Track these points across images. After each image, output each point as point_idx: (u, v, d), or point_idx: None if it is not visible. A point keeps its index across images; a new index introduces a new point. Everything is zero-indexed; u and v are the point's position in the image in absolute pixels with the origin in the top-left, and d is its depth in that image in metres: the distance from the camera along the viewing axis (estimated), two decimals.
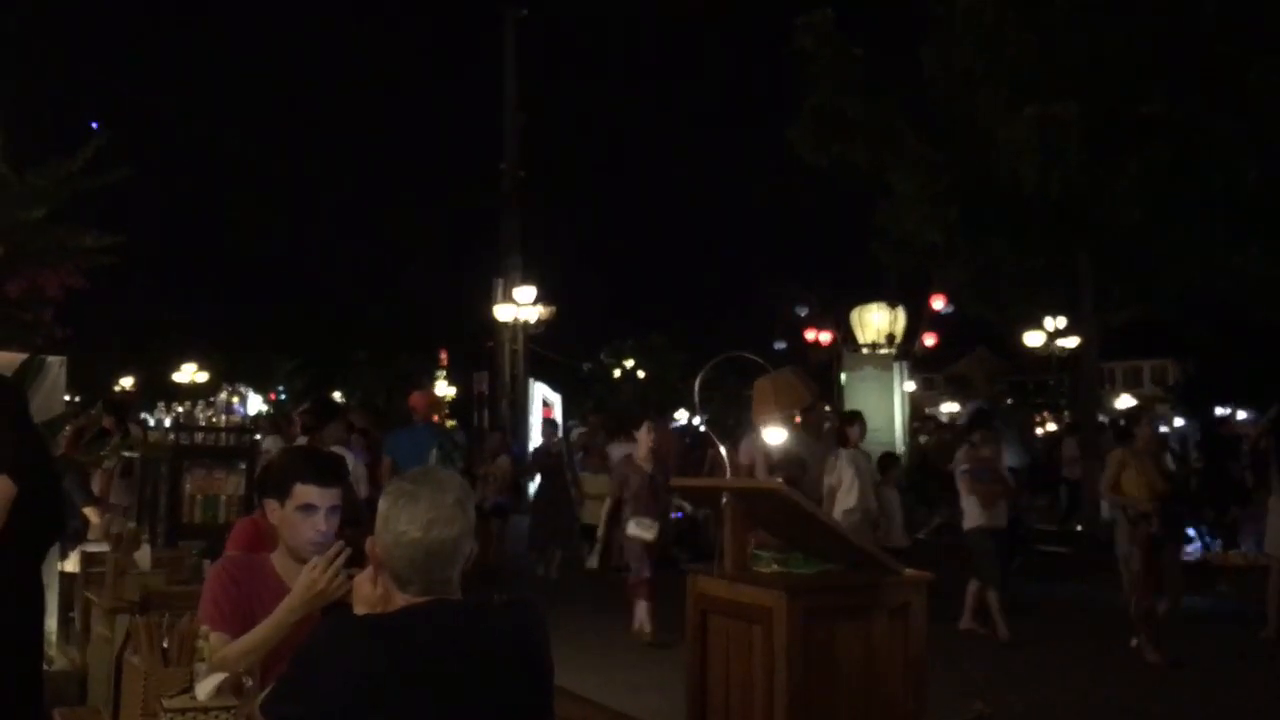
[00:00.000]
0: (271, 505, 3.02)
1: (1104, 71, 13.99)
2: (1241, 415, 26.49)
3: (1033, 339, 22.03)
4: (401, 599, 2.06)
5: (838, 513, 8.30)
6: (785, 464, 7.56)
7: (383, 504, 2.11)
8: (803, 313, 20.59)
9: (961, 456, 9.36)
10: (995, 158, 14.27)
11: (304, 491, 2.92)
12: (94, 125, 12.24)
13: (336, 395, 44.19)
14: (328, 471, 2.96)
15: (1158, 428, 8.70)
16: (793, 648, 4.13)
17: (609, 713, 3.38)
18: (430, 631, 1.97)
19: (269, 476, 3.10)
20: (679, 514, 12.22)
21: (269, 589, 2.88)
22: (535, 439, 21.85)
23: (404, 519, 2.05)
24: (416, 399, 10.39)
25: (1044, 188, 13.76)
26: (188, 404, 14.21)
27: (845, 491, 8.44)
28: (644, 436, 9.10)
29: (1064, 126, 13.24)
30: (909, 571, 4.59)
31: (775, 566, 4.52)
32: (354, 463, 7.52)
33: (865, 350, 17.29)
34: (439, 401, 10.64)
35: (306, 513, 2.91)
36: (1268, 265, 14.40)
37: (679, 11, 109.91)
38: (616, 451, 12.34)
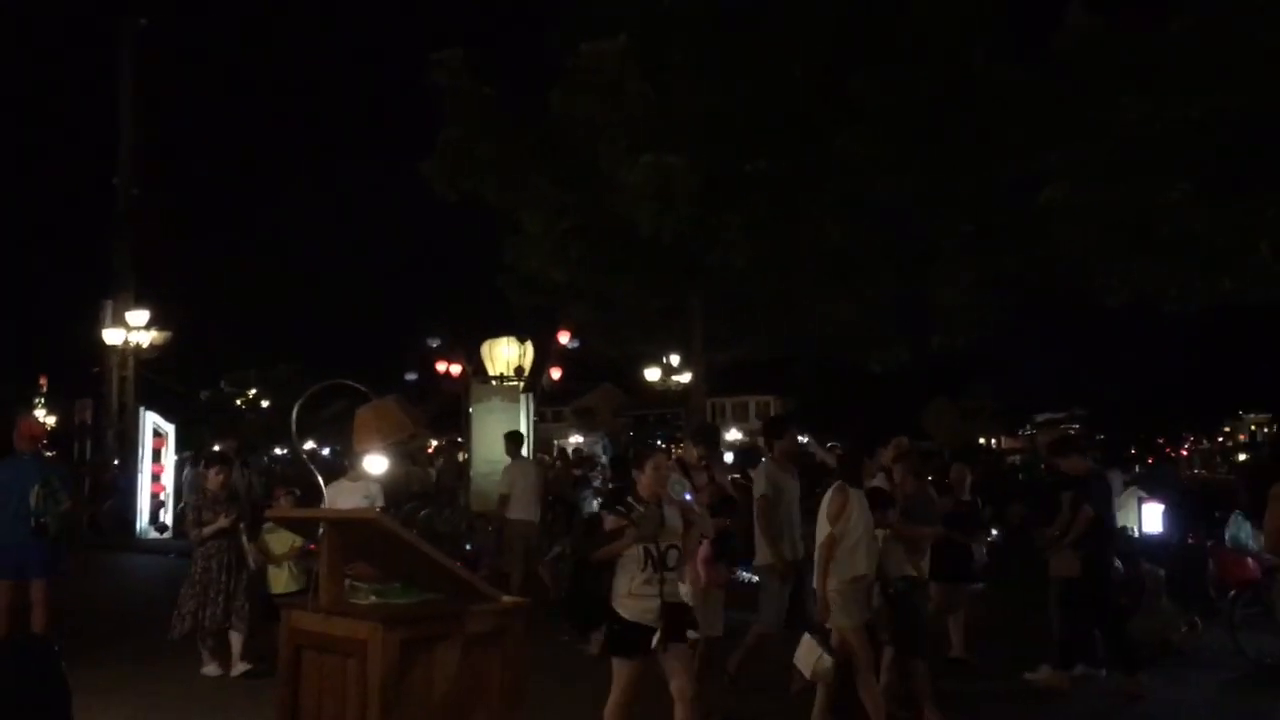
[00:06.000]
0: None
1: (714, 129, 15.15)
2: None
3: (652, 374, 23.29)
4: None
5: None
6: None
7: None
8: (434, 344, 20.65)
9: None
10: (616, 201, 15.03)
11: None
12: None
13: None
14: None
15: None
16: (388, 680, 4.13)
17: None
18: None
19: None
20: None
21: None
22: (146, 472, 20.46)
23: None
24: (27, 426, 9.25)
25: (658, 232, 14.66)
26: None
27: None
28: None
29: (676, 176, 14.19)
30: (506, 598, 4.74)
31: (373, 598, 4.52)
32: None
33: (494, 382, 17.58)
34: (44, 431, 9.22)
35: None
36: (850, 315, 16.09)
37: (320, 38, 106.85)
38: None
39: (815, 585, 6.70)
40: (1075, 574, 8.11)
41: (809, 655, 6.55)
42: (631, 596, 5.45)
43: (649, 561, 5.43)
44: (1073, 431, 26.72)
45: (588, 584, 5.68)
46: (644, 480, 5.65)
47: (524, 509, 11.62)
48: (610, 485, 11.24)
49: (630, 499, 5.63)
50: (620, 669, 5.53)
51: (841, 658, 6.54)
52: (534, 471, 12.28)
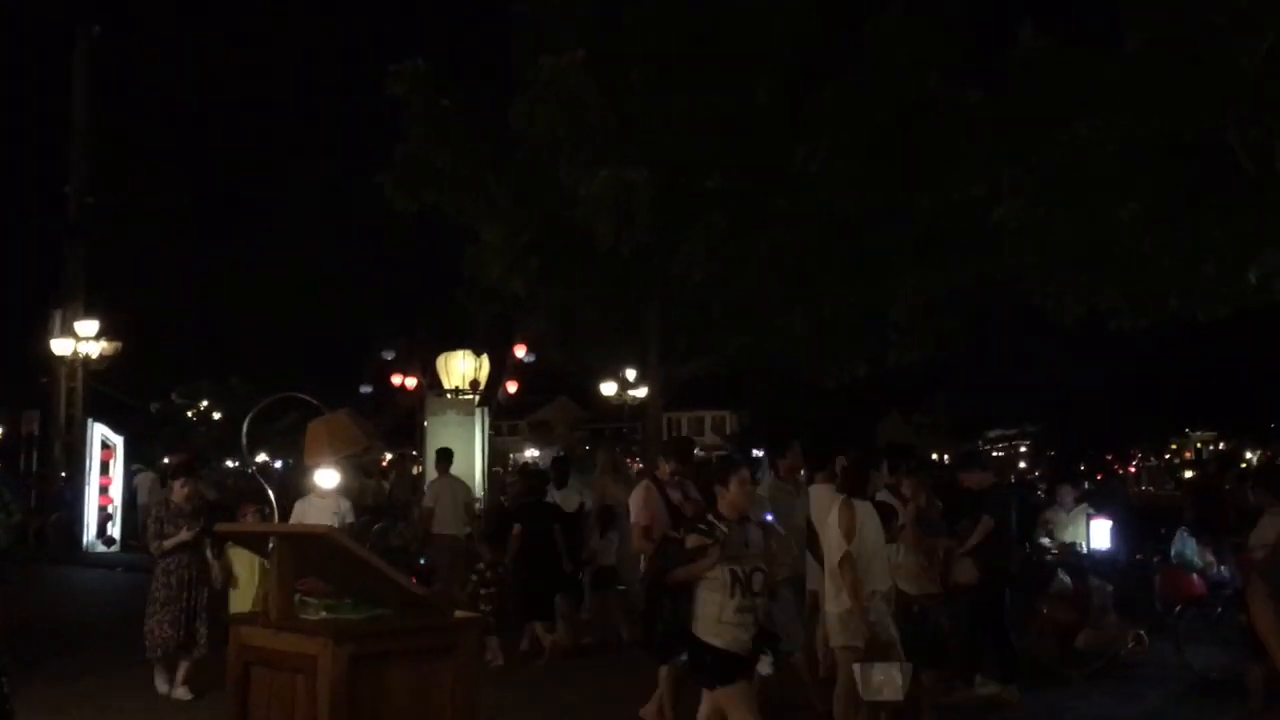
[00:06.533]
0: None
1: (674, 143, 15.22)
2: None
3: (608, 389, 23.26)
4: None
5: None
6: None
7: None
8: (389, 357, 20.54)
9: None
10: (576, 214, 15.05)
11: None
12: None
13: None
14: None
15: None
16: (337, 696, 4.07)
17: None
18: None
19: None
20: None
21: None
22: (94, 485, 20.14)
23: None
24: None
25: (617, 245, 14.69)
26: None
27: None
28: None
29: (635, 189, 14.24)
30: (458, 613, 4.71)
31: (324, 613, 4.46)
32: None
33: (450, 395, 17.50)
34: None
35: None
36: (807, 328, 16.18)
37: (276, 49, 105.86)
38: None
39: (836, 608, 6.14)
40: (973, 580, 8.18)
41: (890, 679, 5.85)
42: (724, 624, 5.03)
43: (736, 585, 5.03)
44: (1023, 448, 26.95)
45: (665, 608, 5.21)
46: (728, 497, 5.22)
47: (450, 524, 11.63)
48: (526, 499, 10.88)
49: (711, 517, 5.24)
50: (729, 696, 5.08)
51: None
52: (461, 489, 12.25)
